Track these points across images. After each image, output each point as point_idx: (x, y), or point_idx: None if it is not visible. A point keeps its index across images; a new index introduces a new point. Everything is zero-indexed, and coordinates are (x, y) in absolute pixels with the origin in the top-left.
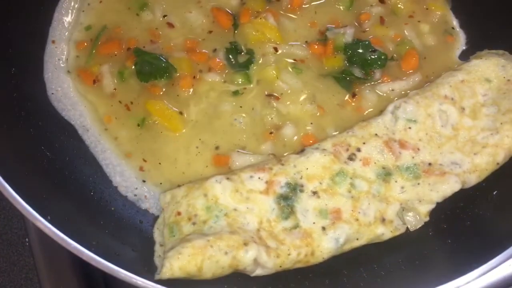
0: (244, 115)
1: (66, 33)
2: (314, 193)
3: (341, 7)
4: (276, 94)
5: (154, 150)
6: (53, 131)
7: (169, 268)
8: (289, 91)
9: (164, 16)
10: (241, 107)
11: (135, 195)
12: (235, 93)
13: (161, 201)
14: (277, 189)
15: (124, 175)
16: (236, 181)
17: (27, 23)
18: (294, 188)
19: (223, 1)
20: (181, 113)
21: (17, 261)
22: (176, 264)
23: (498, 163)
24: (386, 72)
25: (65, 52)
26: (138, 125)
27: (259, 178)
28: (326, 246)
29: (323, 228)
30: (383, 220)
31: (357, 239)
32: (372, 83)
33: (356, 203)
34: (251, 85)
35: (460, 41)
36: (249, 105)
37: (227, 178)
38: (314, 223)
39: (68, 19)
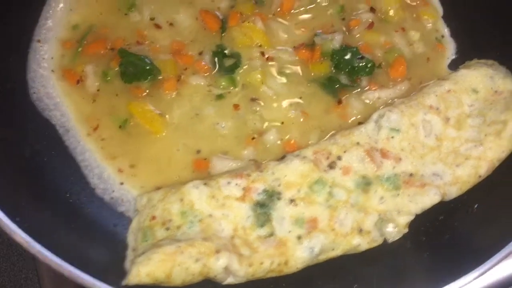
0: (227, 119)
1: (53, 32)
2: (292, 201)
3: (331, 13)
4: (260, 101)
5: (134, 152)
6: (33, 131)
7: (136, 274)
8: (274, 96)
9: (152, 18)
10: (224, 111)
11: (112, 198)
12: (219, 97)
13: (138, 204)
14: (254, 196)
15: (102, 177)
16: (214, 186)
17: (13, 22)
18: (271, 196)
19: (211, 3)
20: (163, 115)
21: (17, 261)
22: (144, 270)
23: (480, 176)
24: (373, 79)
25: (50, 51)
26: (120, 126)
27: (236, 184)
28: (300, 255)
29: (299, 237)
30: (360, 230)
31: (333, 249)
32: (359, 90)
33: (333, 212)
34: (236, 89)
35: (450, 50)
36: (233, 109)
37: (205, 184)
38: (289, 231)
39: (55, 17)
